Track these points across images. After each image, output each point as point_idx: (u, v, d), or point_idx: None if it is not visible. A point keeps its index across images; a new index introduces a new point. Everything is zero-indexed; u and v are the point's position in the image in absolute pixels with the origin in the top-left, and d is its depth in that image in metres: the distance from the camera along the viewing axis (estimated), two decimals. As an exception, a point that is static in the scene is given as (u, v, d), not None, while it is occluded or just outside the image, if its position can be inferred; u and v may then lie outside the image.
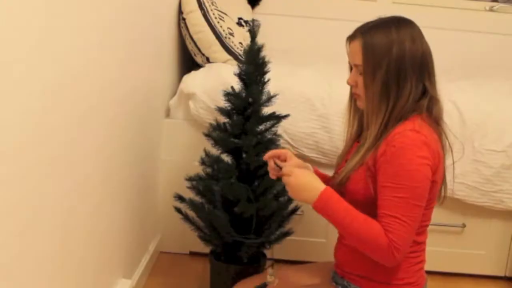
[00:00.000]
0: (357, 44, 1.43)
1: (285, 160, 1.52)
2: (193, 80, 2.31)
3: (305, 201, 1.41)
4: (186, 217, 1.95)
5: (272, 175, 1.53)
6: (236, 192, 1.79)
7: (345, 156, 1.57)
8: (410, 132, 1.37)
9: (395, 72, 1.39)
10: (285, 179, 1.43)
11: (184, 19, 2.39)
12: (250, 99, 1.83)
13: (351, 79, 1.48)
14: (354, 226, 1.35)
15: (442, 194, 1.52)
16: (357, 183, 1.43)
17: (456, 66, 2.94)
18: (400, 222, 1.32)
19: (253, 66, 1.81)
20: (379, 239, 1.33)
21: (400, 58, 1.39)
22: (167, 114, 2.38)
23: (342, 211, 1.36)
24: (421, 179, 1.35)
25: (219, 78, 2.26)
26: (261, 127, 1.87)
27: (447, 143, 1.47)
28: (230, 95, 1.86)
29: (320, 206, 1.38)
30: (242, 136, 1.82)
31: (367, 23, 1.47)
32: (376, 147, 1.40)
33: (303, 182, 1.40)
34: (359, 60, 1.43)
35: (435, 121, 1.45)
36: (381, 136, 1.40)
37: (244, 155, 1.84)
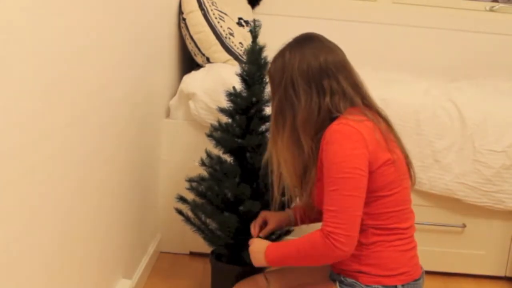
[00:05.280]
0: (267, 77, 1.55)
1: (267, 223, 1.71)
2: (193, 80, 2.31)
3: (263, 264, 1.54)
4: (187, 219, 1.94)
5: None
6: (241, 191, 1.79)
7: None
8: (336, 126, 1.40)
9: (285, 92, 1.46)
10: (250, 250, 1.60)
11: (184, 19, 2.39)
12: (254, 99, 1.83)
13: None
14: (298, 249, 1.44)
15: (412, 174, 1.53)
16: (321, 195, 1.46)
17: (456, 66, 2.95)
18: (334, 215, 1.37)
19: (256, 66, 1.81)
20: (312, 238, 1.40)
21: (289, 80, 1.45)
22: (167, 114, 2.38)
23: (287, 248, 1.48)
24: (349, 170, 1.37)
25: (219, 78, 2.26)
26: (263, 127, 1.87)
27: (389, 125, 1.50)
28: (233, 95, 1.86)
29: (272, 260, 1.51)
30: (247, 136, 1.82)
31: (276, 54, 1.54)
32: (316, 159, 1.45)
33: (254, 250, 1.56)
34: None
35: (369, 109, 1.47)
36: (302, 148, 1.45)
37: (248, 155, 1.84)
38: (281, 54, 1.49)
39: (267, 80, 1.53)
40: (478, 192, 2.25)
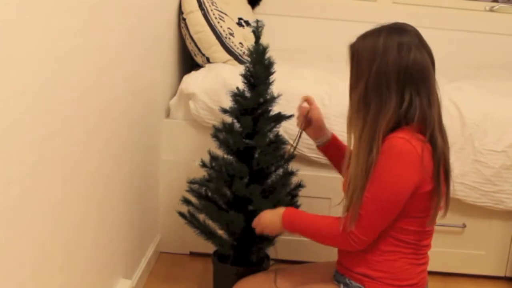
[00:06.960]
0: (349, 50, 1.46)
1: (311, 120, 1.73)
2: (193, 80, 2.31)
3: (279, 229, 1.59)
4: (190, 222, 1.93)
5: (299, 124, 1.77)
6: (251, 192, 1.78)
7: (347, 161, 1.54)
8: (400, 139, 1.35)
9: (375, 84, 1.37)
10: (258, 226, 1.64)
11: (184, 19, 2.39)
12: (261, 99, 1.82)
13: None
14: (316, 230, 1.50)
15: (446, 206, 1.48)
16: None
17: (456, 66, 2.94)
18: (361, 219, 1.40)
19: (262, 67, 1.80)
20: (333, 229, 1.45)
21: (381, 69, 1.36)
22: (167, 114, 2.38)
23: (306, 222, 1.53)
24: (391, 197, 1.37)
25: (219, 78, 2.26)
26: (268, 127, 1.87)
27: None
28: (237, 96, 1.85)
29: (289, 226, 1.55)
30: (255, 136, 1.81)
31: (367, 31, 1.45)
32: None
33: (269, 219, 1.61)
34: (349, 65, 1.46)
35: (428, 129, 1.38)
36: (372, 149, 1.37)
37: (256, 155, 1.83)
38: (376, 35, 1.40)
39: (350, 57, 1.44)
40: (478, 192, 2.25)
